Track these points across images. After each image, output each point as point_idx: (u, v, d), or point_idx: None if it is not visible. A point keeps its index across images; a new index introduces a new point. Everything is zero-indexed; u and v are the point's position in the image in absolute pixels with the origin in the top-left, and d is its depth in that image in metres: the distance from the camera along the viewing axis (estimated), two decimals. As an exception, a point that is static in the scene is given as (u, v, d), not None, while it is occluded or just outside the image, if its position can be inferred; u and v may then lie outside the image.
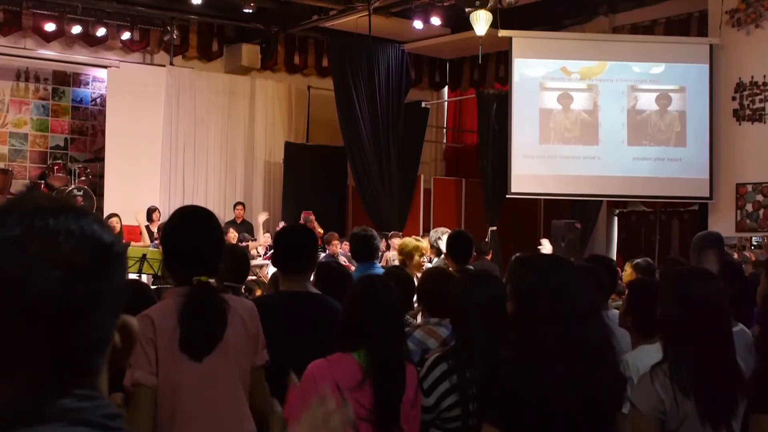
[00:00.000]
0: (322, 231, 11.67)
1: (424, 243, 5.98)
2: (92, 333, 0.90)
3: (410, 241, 5.83)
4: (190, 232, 2.56)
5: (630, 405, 2.40)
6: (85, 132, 13.24)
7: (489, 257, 9.48)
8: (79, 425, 0.86)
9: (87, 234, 0.89)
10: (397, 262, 6.77)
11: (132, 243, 9.42)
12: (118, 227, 8.85)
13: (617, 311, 3.54)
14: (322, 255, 10.32)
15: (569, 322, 2.20)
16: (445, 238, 5.92)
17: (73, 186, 12.06)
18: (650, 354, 2.89)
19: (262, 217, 11.04)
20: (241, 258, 4.37)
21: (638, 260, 5.65)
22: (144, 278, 7.85)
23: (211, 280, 2.54)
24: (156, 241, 9.46)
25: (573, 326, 2.19)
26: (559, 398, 2.13)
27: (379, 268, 5.15)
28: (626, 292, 3.57)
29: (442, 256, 6.01)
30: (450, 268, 5.06)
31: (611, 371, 2.26)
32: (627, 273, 5.69)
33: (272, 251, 3.37)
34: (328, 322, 3.16)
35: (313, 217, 11.73)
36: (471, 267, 4.99)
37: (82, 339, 0.88)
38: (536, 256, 2.53)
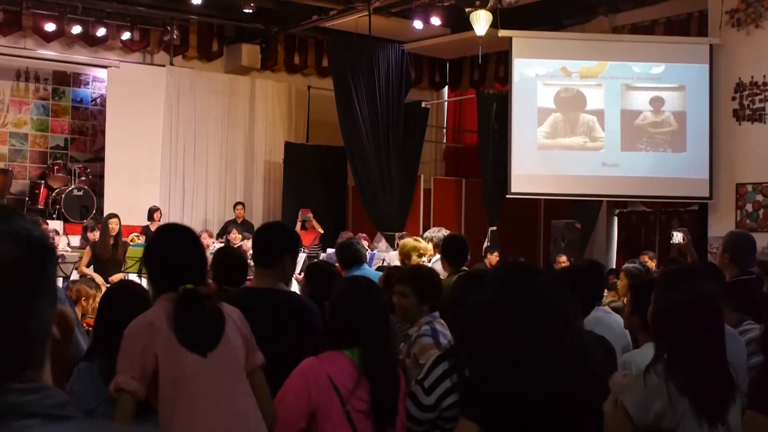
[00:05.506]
0: (322, 230, 11.67)
1: (423, 243, 6.03)
2: (32, 326, 0.92)
3: (408, 241, 5.91)
4: (172, 250, 2.62)
5: (619, 401, 2.39)
6: (85, 132, 13.24)
7: (496, 257, 9.48)
8: (29, 418, 0.86)
9: (15, 231, 0.92)
10: (394, 263, 6.80)
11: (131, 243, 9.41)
12: (117, 228, 8.79)
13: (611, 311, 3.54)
14: (322, 255, 10.33)
15: (544, 335, 2.20)
16: (439, 238, 5.95)
17: (73, 186, 12.07)
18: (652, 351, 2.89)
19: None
20: (237, 260, 4.35)
21: (628, 265, 5.64)
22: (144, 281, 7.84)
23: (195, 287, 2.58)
24: None
25: (546, 339, 2.20)
26: (531, 410, 2.15)
27: (367, 270, 5.37)
28: (629, 293, 3.59)
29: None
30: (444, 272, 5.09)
31: (589, 384, 2.24)
32: (623, 283, 5.67)
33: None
34: (298, 319, 3.18)
35: (311, 216, 11.69)
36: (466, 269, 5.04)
37: (22, 334, 0.90)
38: (508, 266, 2.59)
